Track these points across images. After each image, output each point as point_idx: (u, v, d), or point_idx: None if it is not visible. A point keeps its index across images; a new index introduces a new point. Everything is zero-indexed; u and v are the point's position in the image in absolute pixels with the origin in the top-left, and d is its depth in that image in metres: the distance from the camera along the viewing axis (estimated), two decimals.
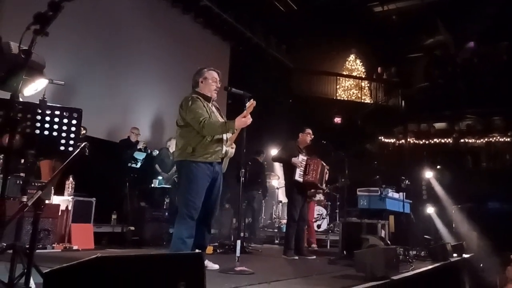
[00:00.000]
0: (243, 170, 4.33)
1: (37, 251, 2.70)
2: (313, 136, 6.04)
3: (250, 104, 3.82)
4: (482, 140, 13.65)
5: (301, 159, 5.65)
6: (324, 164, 5.84)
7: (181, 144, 3.79)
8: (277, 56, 12.92)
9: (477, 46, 14.18)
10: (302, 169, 5.62)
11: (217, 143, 3.80)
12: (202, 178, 3.71)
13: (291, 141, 6.11)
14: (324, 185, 6.00)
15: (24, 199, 2.36)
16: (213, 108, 4.02)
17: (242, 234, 6.04)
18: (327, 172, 5.91)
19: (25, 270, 2.19)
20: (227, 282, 3.10)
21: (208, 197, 3.83)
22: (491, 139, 13.51)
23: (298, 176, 5.59)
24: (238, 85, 4.54)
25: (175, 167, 7.13)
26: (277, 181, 9.77)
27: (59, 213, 5.48)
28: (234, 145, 4.04)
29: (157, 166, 7.63)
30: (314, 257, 5.62)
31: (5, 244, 2.48)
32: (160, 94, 9.13)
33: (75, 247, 5.38)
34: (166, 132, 8.78)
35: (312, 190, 7.13)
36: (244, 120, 3.76)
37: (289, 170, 5.75)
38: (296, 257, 5.46)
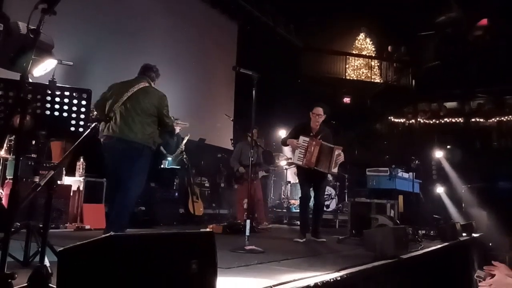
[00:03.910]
0: (252, 151, 4.35)
1: (50, 230, 2.74)
2: (320, 115, 5.40)
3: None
4: (493, 119, 13.49)
5: (301, 140, 5.23)
6: (330, 145, 5.28)
7: (150, 131, 4.28)
8: (285, 35, 12.75)
9: (489, 23, 13.86)
10: (303, 151, 5.22)
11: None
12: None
13: (303, 122, 5.69)
14: (330, 169, 5.32)
15: (36, 179, 2.39)
16: None
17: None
18: (340, 154, 5.31)
19: (40, 249, 2.23)
20: (238, 261, 3.14)
21: None
22: (502, 118, 13.34)
23: (297, 159, 5.27)
24: (246, 65, 4.52)
25: (180, 148, 7.22)
26: (285, 162, 9.77)
27: (71, 194, 5.56)
28: None
29: (161, 148, 7.63)
30: (325, 240, 5.51)
31: (19, 224, 2.53)
32: (168, 75, 9.01)
33: (87, 227, 5.48)
34: (173, 114, 8.76)
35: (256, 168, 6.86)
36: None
37: (294, 153, 5.51)
38: (305, 239, 5.37)
